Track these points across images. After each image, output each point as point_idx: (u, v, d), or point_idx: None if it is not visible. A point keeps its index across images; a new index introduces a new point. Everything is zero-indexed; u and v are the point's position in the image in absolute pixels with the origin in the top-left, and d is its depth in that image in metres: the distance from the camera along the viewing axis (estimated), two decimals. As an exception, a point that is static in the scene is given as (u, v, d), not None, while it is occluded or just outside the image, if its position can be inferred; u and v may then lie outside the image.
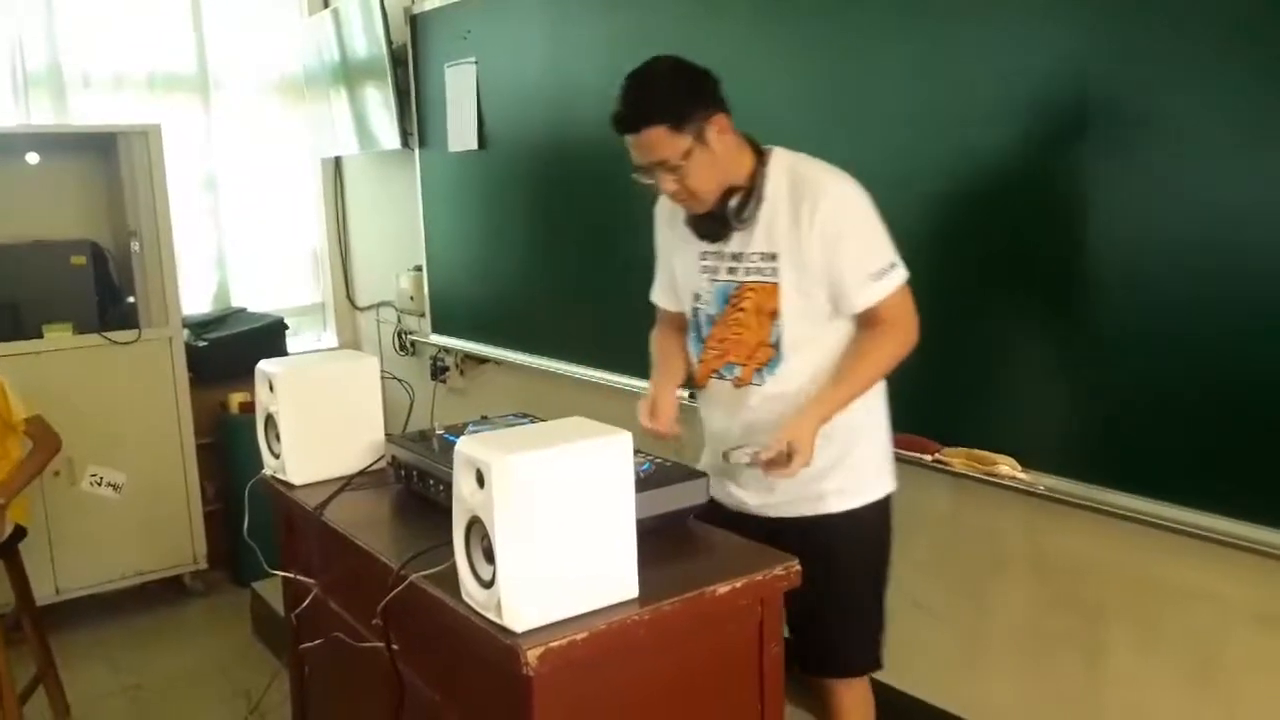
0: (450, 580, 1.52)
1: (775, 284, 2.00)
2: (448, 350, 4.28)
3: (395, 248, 4.55)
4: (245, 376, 4.21)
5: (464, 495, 1.45)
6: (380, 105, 4.32)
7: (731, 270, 2.06)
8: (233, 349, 4.26)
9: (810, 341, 2.01)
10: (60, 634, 3.69)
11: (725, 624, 1.62)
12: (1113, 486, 2.14)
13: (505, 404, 3.51)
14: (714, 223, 2.03)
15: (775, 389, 2.04)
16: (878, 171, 2.44)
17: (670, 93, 1.92)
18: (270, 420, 2.13)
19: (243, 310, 4.62)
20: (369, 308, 4.93)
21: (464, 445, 1.45)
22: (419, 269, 4.26)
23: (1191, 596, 2.16)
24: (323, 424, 2.12)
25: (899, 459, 2.45)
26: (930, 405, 2.45)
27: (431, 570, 1.59)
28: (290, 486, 2.11)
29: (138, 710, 3.34)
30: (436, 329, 4.21)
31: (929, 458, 2.38)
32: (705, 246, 2.09)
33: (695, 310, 2.15)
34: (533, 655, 1.38)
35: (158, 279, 3.95)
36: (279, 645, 3.60)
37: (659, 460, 1.86)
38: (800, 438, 1.88)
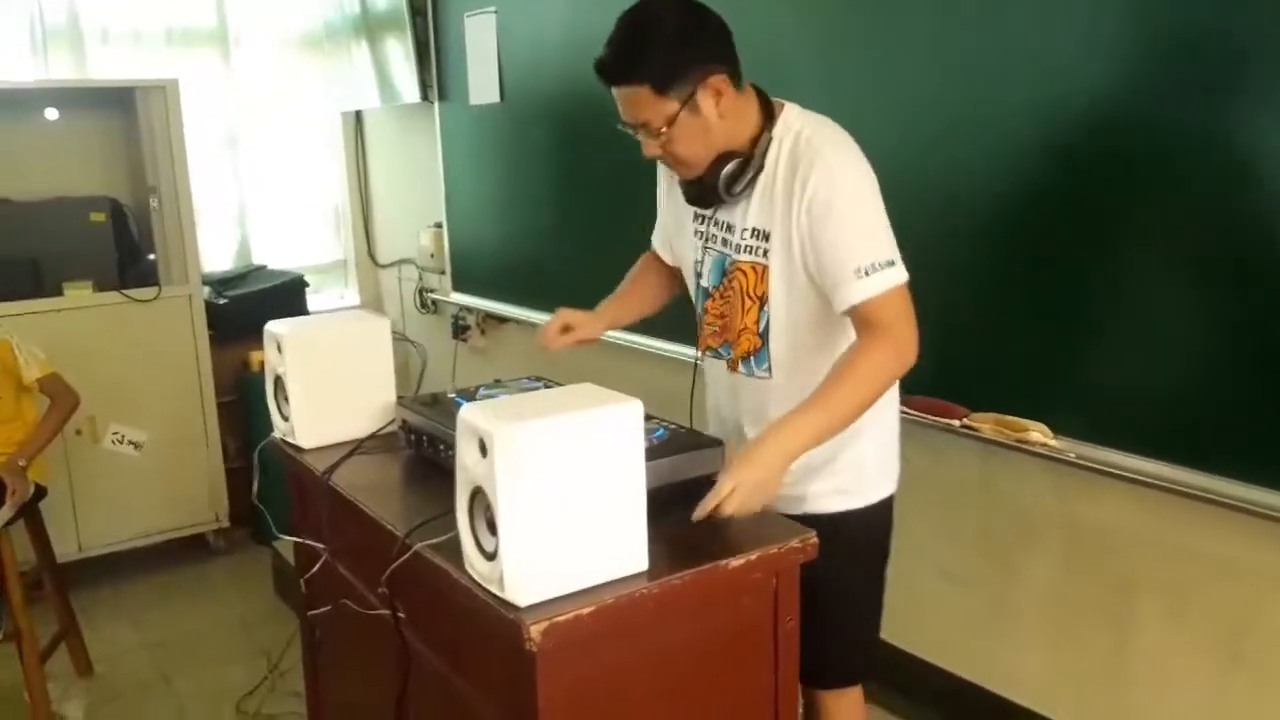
0: (456, 550, 1.47)
1: (766, 265, 1.78)
2: (469, 309, 4.23)
3: (416, 204, 4.49)
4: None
5: (467, 465, 1.39)
6: (401, 57, 4.25)
7: (726, 241, 1.85)
8: (253, 306, 4.23)
9: (798, 338, 1.79)
10: (83, 592, 3.71)
11: (738, 598, 1.56)
12: (1146, 455, 2.07)
13: (526, 365, 3.44)
14: (704, 189, 1.80)
15: (760, 383, 1.85)
16: (907, 130, 2.37)
17: (661, 47, 1.67)
18: (279, 382, 2.09)
19: (264, 267, 4.59)
20: (391, 265, 4.88)
21: (467, 413, 1.39)
22: (439, 225, 4.20)
23: (1225, 569, 2.09)
24: (332, 386, 2.07)
25: (924, 424, 2.39)
26: (958, 369, 2.37)
27: (437, 540, 1.55)
28: (299, 450, 2.07)
29: (159, 668, 3.36)
30: (457, 287, 4.16)
31: (957, 423, 2.30)
32: (699, 211, 1.90)
33: (696, 281, 1.96)
34: (536, 631, 1.33)
35: (177, 236, 3.92)
36: (300, 604, 3.61)
37: (674, 426, 1.80)
38: (743, 477, 1.56)
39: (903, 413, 2.42)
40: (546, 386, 2.03)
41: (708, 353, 1.98)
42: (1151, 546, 2.21)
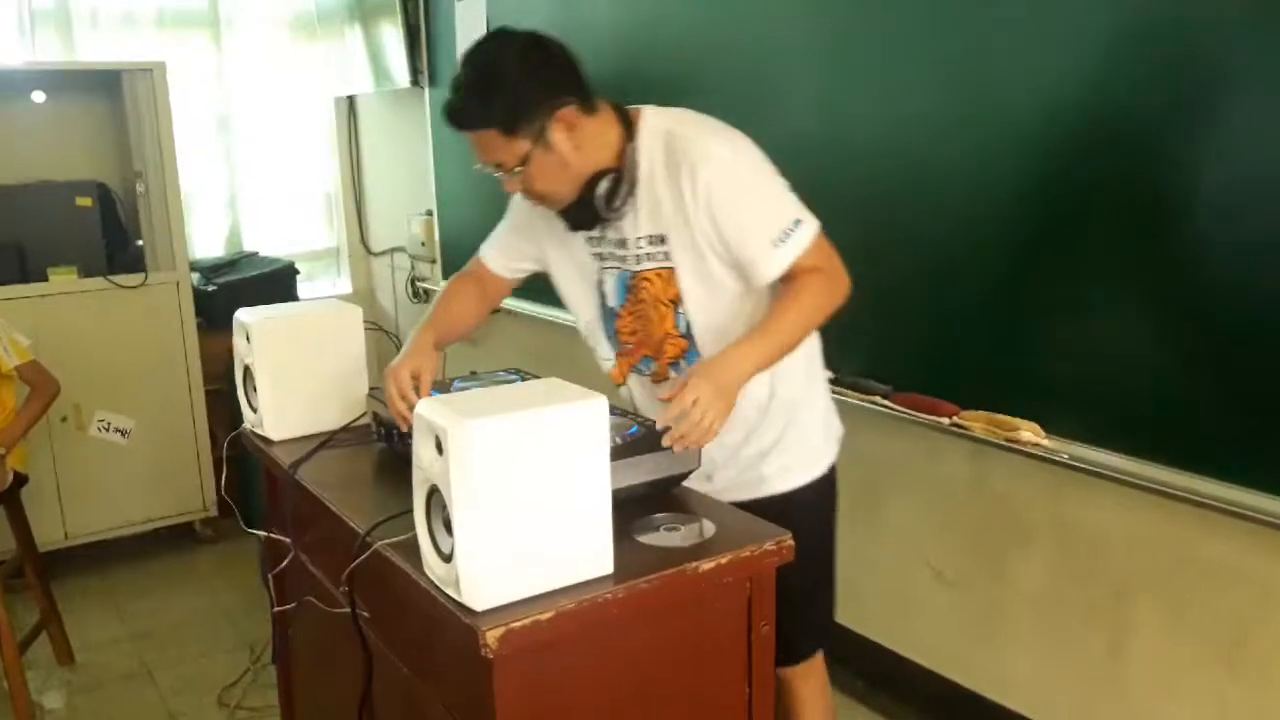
0: (417, 550, 1.41)
1: (671, 268, 1.77)
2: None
3: (408, 191, 4.43)
4: (255, 322, 4.23)
5: (424, 462, 1.34)
6: (395, 41, 4.19)
7: (622, 258, 1.83)
8: (242, 293, 4.16)
9: (724, 323, 1.80)
10: (69, 581, 3.69)
11: (709, 603, 1.50)
12: (1142, 457, 1.99)
13: (517, 356, 3.40)
14: (584, 211, 1.78)
15: None
16: (899, 130, 2.30)
17: (505, 89, 1.65)
18: (248, 372, 2.04)
19: (255, 254, 4.54)
20: (383, 253, 4.83)
21: (424, 408, 1.34)
22: (430, 213, 4.14)
23: (1224, 575, 2.02)
24: (302, 377, 2.02)
25: (915, 422, 2.33)
26: (948, 366, 2.31)
27: (398, 538, 1.49)
28: (269, 442, 2.02)
29: (142, 657, 3.32)
30: (447, 276, 4.10)
31: (947, 421, 2.24)
32: (589, 233, 1.86)
33: (601, 304, 1.93)
34: (492, 636, 1.27)
35: (164, 221, 3.86)
36: (286, 595, 3.57)
37: (648, 423, 1.74)
38: (702, 389, 1.59)
39: (890, 409, 2.38)
40: (523, 379, 1.98)
41: (631, 373, 1.95)
42: (1148, 551, 2.14)
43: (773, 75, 2.60)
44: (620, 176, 1.75)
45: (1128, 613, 2.20)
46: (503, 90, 1.65)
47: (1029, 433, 2.10)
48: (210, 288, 4.16)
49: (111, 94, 3.94)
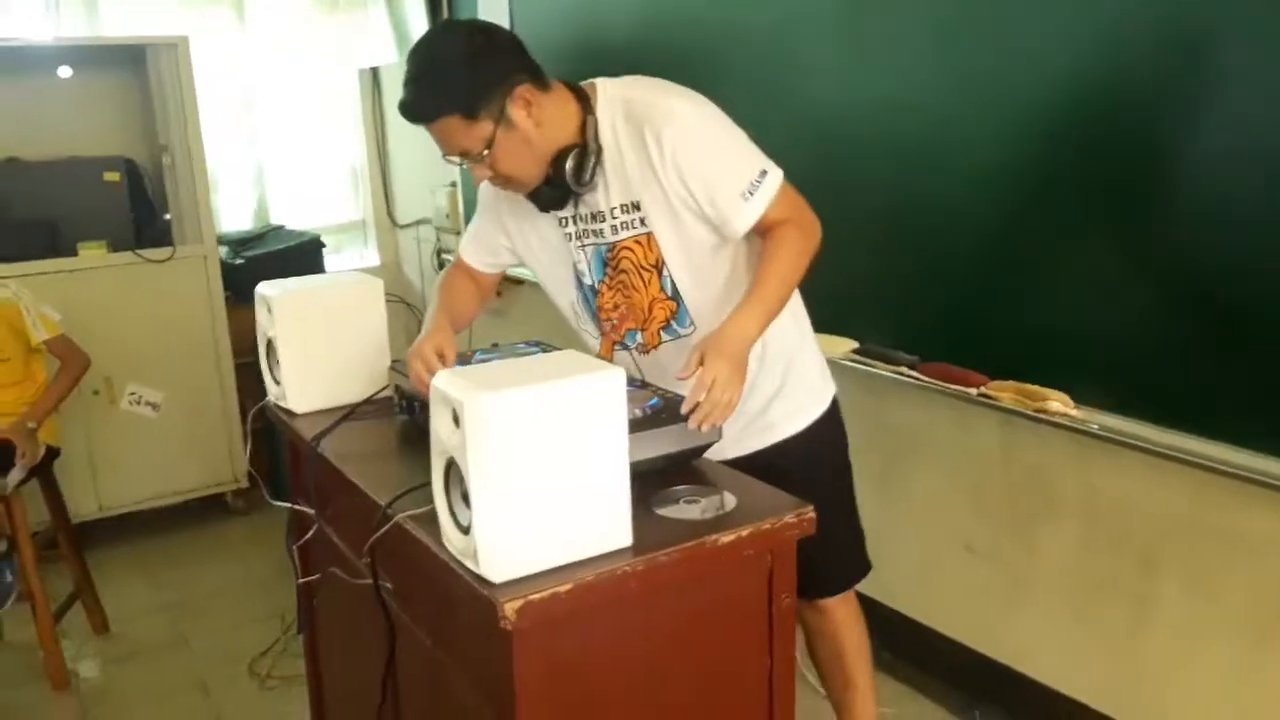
0: (437, 521, 1.43)
1: (649, 233, 1.81)
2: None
3: (432, 163, 4.40)
4: (283, 295, 4.25)
5: (441, 435, 1.33)
6: (419, 12, 4.17)
7: (598, 233, 1.86)
8: (269, 267, 4.19)
9: (709, 278, 1.84)
10: (102, 551, 3.74)
11: (729, 576, 1.49)
12: (1172, 427, 1.96)
13: (544, 327, 3.39)
14: (555, 191, 1.80)
15: (689, 341, 1.85)
16: (916, 90, 2.26)
17: (459, 73, 1.67)
18: (271, 346, 2.04)
19: (281, 228, 4.55)
20: (409, 225, 4.82)
21: (440, 381, 1.33)
22: (454, 185, 4.13)
23: (1255, 547, 1.99)
24: (325, 350, 2.02)
25: (943, 392, 2.31)
26: (976, 336, 2.28)
27: (418, 510, 1.49)
28: (292, 415, 2.02)
29: (175, 627, 3.37)
30: (472, 247, 4.09)
31: (974, 391, 2.21)
32: (560, 213, 1.88)
33: (579, 283, 1.95)
34: (510, 608, 1.27)
35: (191, 196, 3.88)
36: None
37: (669, 395, 1.73)
38: (719, 367, 1.61)
39: (917, 379, 2.36)
40: (544, 351, 1.97)
41: (617, 349, 1.96)
42: (1177, 522, 2.11)
43: (794, 47, 2.55)
44: (585, 149, 1.77)
45: (1155, 583, 2.18)
46: (456, 75, 1.68)
47: (1058, 403, 2.07)
48: (238, 261, 4.18)
49: (137, 69, 3.95)
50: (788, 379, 1.93)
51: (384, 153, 4.89)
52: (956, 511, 2.58)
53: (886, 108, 2.38)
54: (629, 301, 1.90)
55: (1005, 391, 2.16)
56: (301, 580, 1.93)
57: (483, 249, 2.07)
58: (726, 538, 1.44)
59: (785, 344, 1.91)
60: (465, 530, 1.33)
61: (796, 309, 1.96)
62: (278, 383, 2.05)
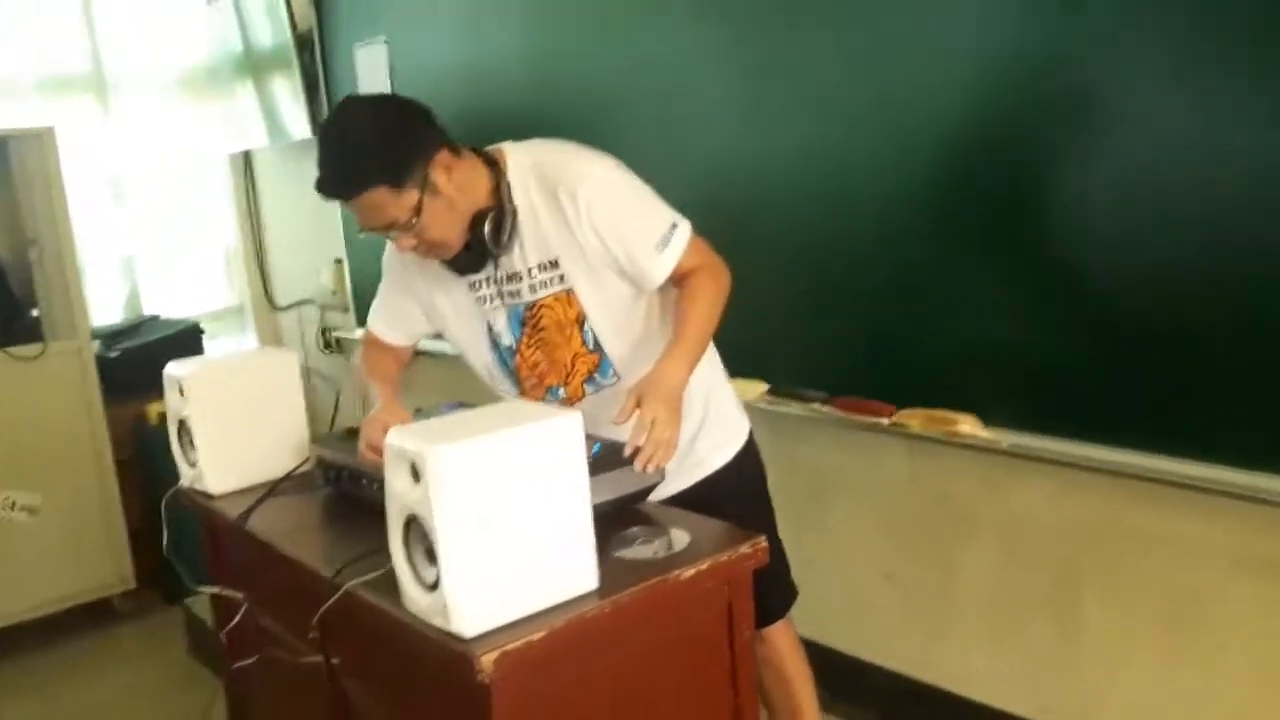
0: (391, 585, 1.39)
1: (569, 290, 1.84)
2: (376, 345, 4.11)
3: (313, 241, 4.36)
4: (162, 386, 4.09)
5: (399, 492, 1.32)
6: (288, 94, 4.13)
7: (515, 293, 1.87)
8: (147, 358, 4.00)
9: (627, 328, 1.89)
10: (-15, 671, 3.49)
11: (691, 610, 1.51)
12: (1076, 438, 2.07)
13: (441, 398, 3.36)
14: (472, 255, 1.82)
15: (614, 390, 1.88)
16: (827, 127, 2.36)
17: (381, 146, 1.69)
18: (183, 427, 1.98)
19: (155, 318, 4.39)
20: (289, 307, 4.72)
21: (395, 437, 1.32)
22: (340, 261, 4.08)
23: (1163, 546, 2.11)
24: (241, 427, 1.97)
25: (851, 425, 2.39)
26: (882, 368, 2.37)
27: (369, 576, 1.46)
28: (210, 497, 1.96)
29: (73, 744, 3.16)
30: (362, 323, 4.02)
31: (885, 420, 2.29)
32: (472, 277, 1.89)
33: (495, 345, 1.96)
34: (487, 661, 1.26)
35: (62, 288, 3.72)
36: (218, 664, 3.40)
37: (608, 441, 1.74)
38: (656, 409, 1.64)
39: (829, 414, 2.43)
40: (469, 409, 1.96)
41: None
42: (1088, 530, 2.22)
43: (684, 101, 2.64)
44: (502, 211, 1.79)
45: (1072, 591, 2.27)
46: (377, 148, 1.69)
47: (968, 425, 2.16)
48: (112, 354, 4.01)
49: (-2, 161, 3.79)
50: (708, 413, 1.97)
51: (259, 235, 4.80)
52: (875, 543, 2.65)
53: (778, 156, 2.47)
54: (550, 358, 1.92)
55: (914, 419, 2.25)
56: (236, 665, 1.84)
57: (395, 321, 2.06)
58: (688, 573, 1.47)
59: (702, 375, 1.91)
60: (430, 587, 1.32)
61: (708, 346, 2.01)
62: (192, 465, 1.98)
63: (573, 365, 1.91)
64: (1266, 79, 1.73)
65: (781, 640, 2.08)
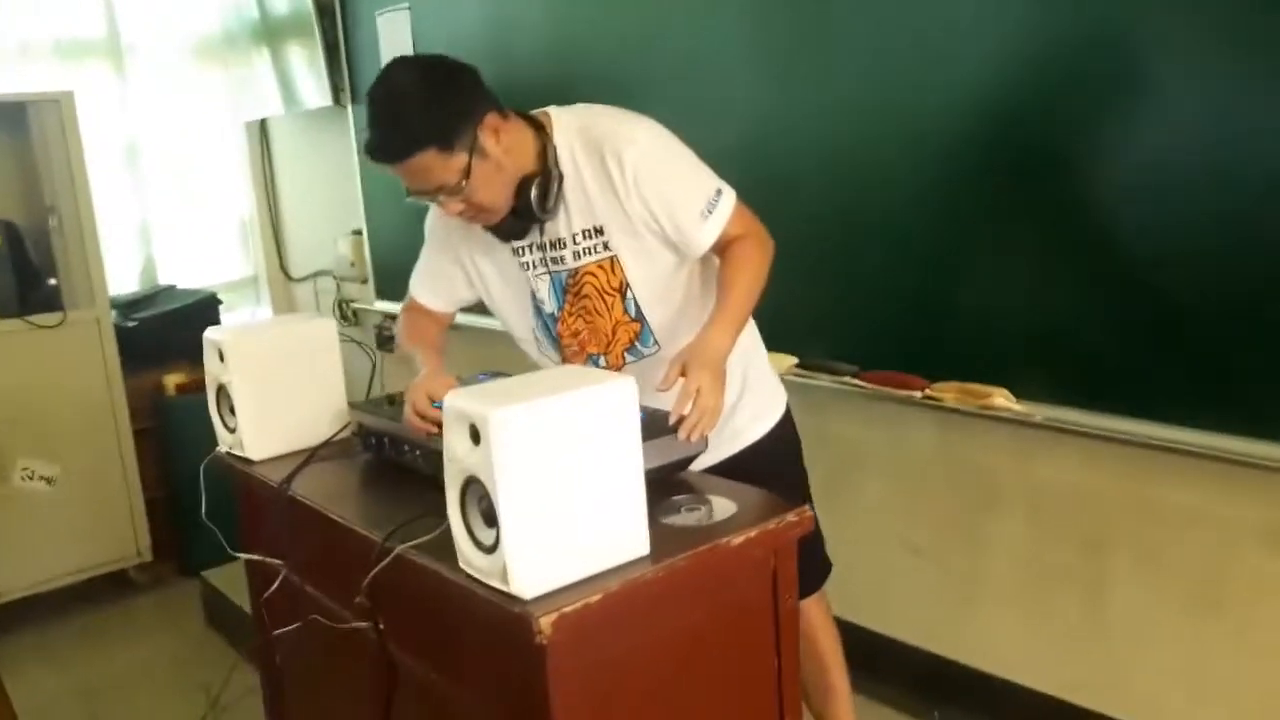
0: (441, 549, 1.41)
1: (613, 256, 1.84)
2: (393, 317, 4.10)
3: (331, 212, 4.35)
4: (179, 356, 4.10)
5: (458, 455, 1.32)
6: (304, 62, 4.12)
7: (558, 259, 1.87)
8: (164, 328, 4.05)
9: (669, 297, 1.88)
10: (3, 639, 3.49)
11: (738, 577, 1.52)
12: (1105, 411, 2.08)
13: (461, 369, 3.36)
14: (518, 220, 1.82)
15: (654, 360, 1.88)
16: (856, 100, 2.36)
17: (431, 108, 1.67)
18: (222, 392, 1.97)
19: (172, 287, 4.39)
20: (305, 278, 4.72)
21: (454, 400, 1.32)
22: (358, 233, 4.07)
23: (1193, 519, 2.12)
24: (280, 393, 1.96)
25: (881, 398, 2.39)
26: (912, 342, 2.37)
27: (419, 540, 1.46)
28: (249, 462, 1.96)
29: (91, 711, 3.17)
30: (381, 295, 4.03)
31: (918, 394, 2.29)
32: (518, 242, 1.89)
33: (538, 311, 1.96)
34: (546, 622, 1.26)
35: (80, 257, 3.71)
36: (236, 635, 3.44)
37: (652, 410, 1.74)
38: (702, 376, 1.64)
39: (861, 388, 2.43)
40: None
41: None
42: (1118, 504, 2.23)
43: (712, 74, 2.63)
44: (548, 176, 1.79)
45: (1101, 566, 2.28)
46: (425, 110, 1.68)
47: (1001, 399, 2.16)
48: (130, 324, 4.00)
49: (14, 127, 3.77)
50: (747, 384, 1.97)
51: (275, 205, 4.79)
52: (903, 517, 2.65)
53: (808, 129, 2.47)
54: (591, 326, 1.91)
55: (948, 392, 2.25)
56: (277, 632, 1.85)
57: (437, 286, 2.06)
58: (737, 540, 1.47)
59: (741, 352, 1.92)
60: (488, 550, 1.32)
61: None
62: (231, 430, 1.98)
63: (614, 334, 1.91)
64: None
65: (815, 614, 2.08)
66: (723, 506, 1.58)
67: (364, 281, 4.14)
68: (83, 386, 3.73)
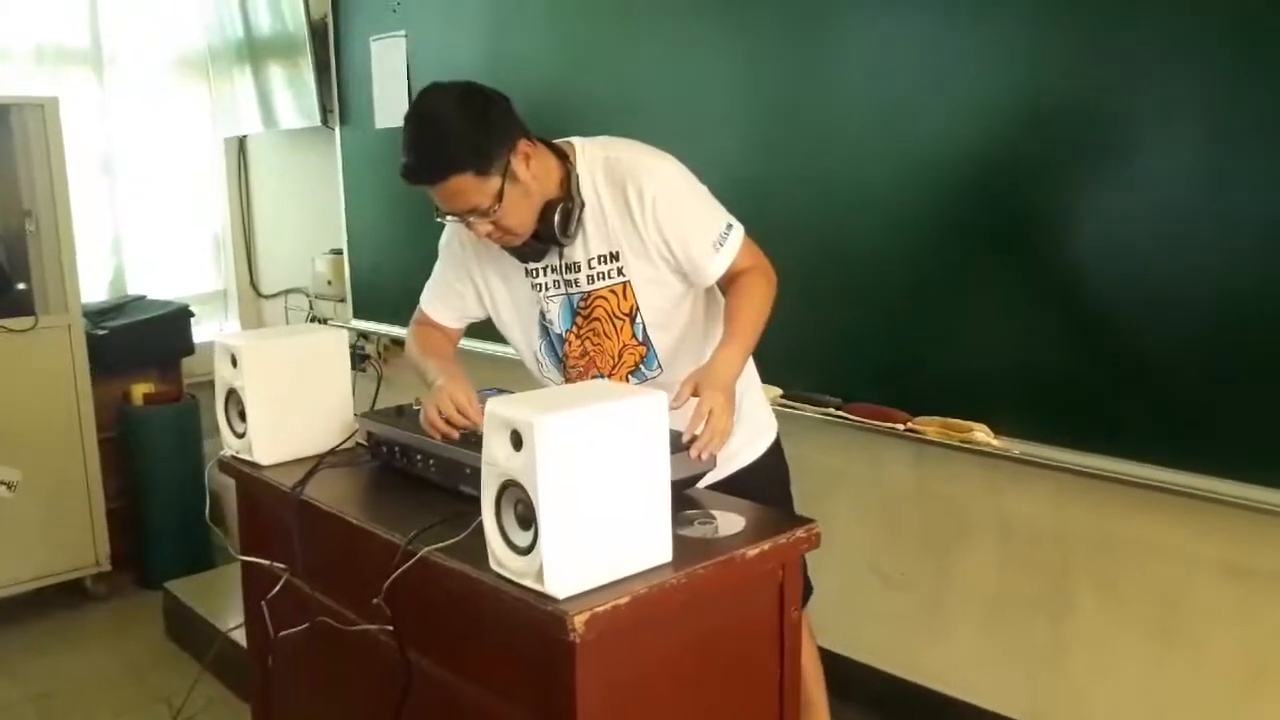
0: (464, 551, 1.48)
1: (626, 282, 1.93)
2: (367, 337, 4.13)
3: (308, 231, 4.38)
4: (148, 366, 4.09)
5: (498, 459, 1.38)
6: (285, 83, 4.15)
7: (572, 282, 1.95)
8: (135, 338, 4.03)
9: (674, 323, 1.98)
10: (-51, 645, 3.43)
11: (751, 588, 1.59)
12: (1075, 446, 2.20)
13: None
14: (538, 243, 1.90)
15: (656, 384, 1.95)
16: (843, 141, 2.47)
17: (467, 133, 1.75)
18: (233, 397, 2.01)
19: (142, 298, 4.36)
20: (275, 295, 4.72)
21: (496, 406, 1.39)
22: (338, 252, 4.10)
23: (1154, 551, 2.24)
24: (291, 400, 2.00)
25: (868, 430, 2.49)
26: (893, 377, 2.47)
27: (446, 542, 1.52)
28: (257, 467, 1.99)
29: (49, 719, 3.12)
30: (359, 314, 4.06)
31: (901, 427, 2.39)
32: (532, 264, 1.97)
33: (545, 332, 2.04)
34: (579, 621, 1.32)
35: (55, 263, 3.70)
36: (198, 647, 3.41)
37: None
38: (715, 398, 1.71)
39: (845, 419, 2.53)
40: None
41: None
42: (1082, 534, 2.35)
43: (702, 109, 2.74)
44: (571, 202, 1.87)
45: (1066, 595, 2.39)
46: (462, 135, 1.76)
47: (981, 433, 2.27)
48: (100, 332, 3.97)
49: (-2, 131, 3.75)
50: (742, 410, 2.02)
51: (249, 222, 4.80)
52: (873, 545, 2.75)
53: (794, 166, 2.58)
54: (598, 348, 1.99)
55: (930, 426, 2.35)
56: (283, 633, 1.87)
57: (449, 302, 2.12)
58: (752, 552, 1.54)
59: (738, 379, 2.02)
60: (523, 551, 1.38)
61: None
62: (239, 435, 2.01)
63: (620, 356, 1.98)
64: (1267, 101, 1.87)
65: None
66: (731, 521, 1.66)
67: (341, 300, 4.16)
68: (50, 392, 3.70)
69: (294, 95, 4.14)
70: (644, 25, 2.89)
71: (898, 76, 2.37)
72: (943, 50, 2.29)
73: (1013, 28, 2.19)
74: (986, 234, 2.29)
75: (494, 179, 1.77)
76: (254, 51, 4.29)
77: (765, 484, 2.07)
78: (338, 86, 3.94)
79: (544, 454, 1.32)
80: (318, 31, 3.92)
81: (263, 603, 1.98)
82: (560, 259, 1.94)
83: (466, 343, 3.51)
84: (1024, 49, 2.18)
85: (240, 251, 4.80)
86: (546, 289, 1.99)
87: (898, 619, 2.72)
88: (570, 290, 1.97)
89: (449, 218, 1.86)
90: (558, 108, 3.13)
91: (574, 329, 1.99)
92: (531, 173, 1.82)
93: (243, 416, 2.00)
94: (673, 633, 1.49)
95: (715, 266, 1.91)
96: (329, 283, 4.16)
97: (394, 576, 1.56)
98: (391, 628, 1.63)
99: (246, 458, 2.01)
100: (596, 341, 1.99)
